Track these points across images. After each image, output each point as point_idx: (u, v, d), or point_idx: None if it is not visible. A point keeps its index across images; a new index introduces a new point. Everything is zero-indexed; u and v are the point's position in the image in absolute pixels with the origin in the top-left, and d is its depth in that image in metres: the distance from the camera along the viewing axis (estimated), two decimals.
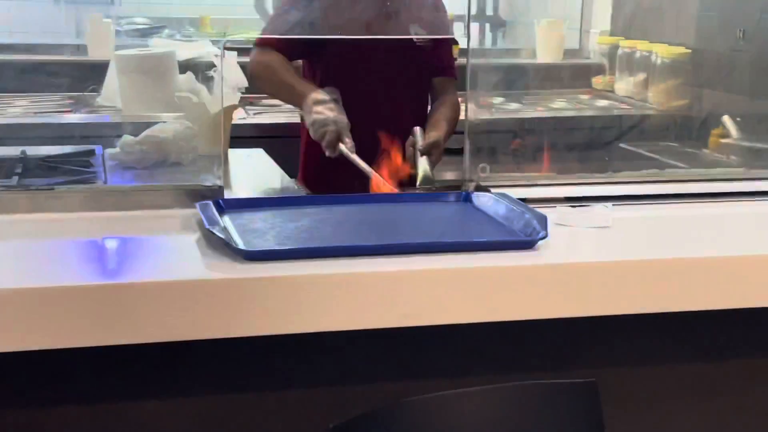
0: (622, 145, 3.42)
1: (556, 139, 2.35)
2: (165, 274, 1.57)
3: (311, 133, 2.39)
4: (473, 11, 4.96)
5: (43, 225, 1.81)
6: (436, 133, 2.43)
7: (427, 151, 2.36)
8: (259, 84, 2.66)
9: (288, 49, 2.58)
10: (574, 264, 1.64)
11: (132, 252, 1.72)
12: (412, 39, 2.57)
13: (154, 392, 1.66)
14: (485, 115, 2.30)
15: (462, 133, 2.03)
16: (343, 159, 2.34)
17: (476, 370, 1.74)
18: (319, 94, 2.41)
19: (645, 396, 1.85)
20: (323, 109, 2.37)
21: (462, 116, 2.45)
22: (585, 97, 4.04)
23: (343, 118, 2.37)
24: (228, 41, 3.96)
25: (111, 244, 1.72)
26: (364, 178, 2.24)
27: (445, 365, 1.74)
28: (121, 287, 1.51)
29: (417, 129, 2.43)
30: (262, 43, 2.62)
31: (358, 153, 2.33)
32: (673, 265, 1.65)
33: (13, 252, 1.67)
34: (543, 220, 1.71)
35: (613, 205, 1.90)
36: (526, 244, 1.67)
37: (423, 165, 2.32)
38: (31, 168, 2.17)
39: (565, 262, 1.64)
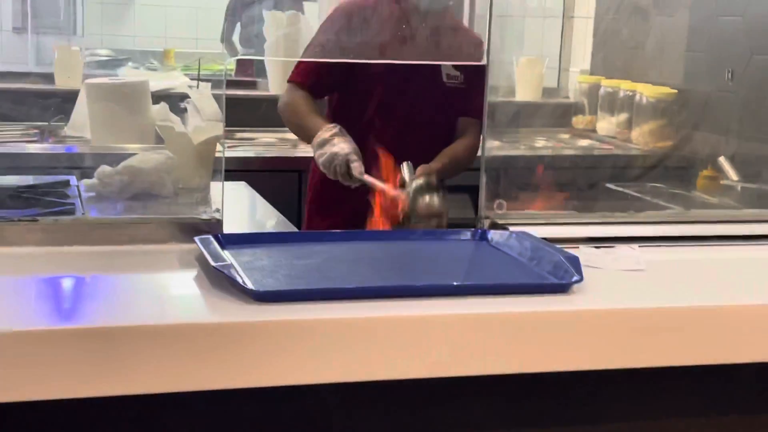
0: (608, 185, 3.34)
1: (574, 177, 2.24)
2: (164, 317, 1.41)
3: (327, 174, 2.35)
4: None
5: (23, 260, 1.63)
6: (429, 166, 2.35)
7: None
8: (286, 125, 2.66)
9: (316, 87, 2.56)
10: (615, 310, 1.51)
11: (122, 291, 1.55)
12: (442, 78, 2.55)
13: None
14: (501, 152, 2.18)
15: (477, 170, 1.91)
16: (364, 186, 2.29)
17: (507, 423, 1.59)
18: (321, 135, 2.36)
19: None
20: (327, 147, 2.33)
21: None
22: (565, 136, 3.97)
23: (346, 147, 2.31)
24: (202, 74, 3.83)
25: (100, 282, 1.55)
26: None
27: (472, 418, 1.58)
28: (112, 331, 1.34)
29: (405, 164, 2.30)
30: (291, 80, 2.59)
31: None
32: (723, 313, 1.53)
33: None
34: (575, 262, 1.58)
35: (639, 246, 1.79)
36: (559, 288, 1.54)
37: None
38: (3, 198, 1.99)
39: (604, 308, 1.51)
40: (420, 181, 2.15)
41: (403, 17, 2.47)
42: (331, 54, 2.48)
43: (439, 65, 2.52)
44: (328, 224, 2.46)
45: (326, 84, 2.57)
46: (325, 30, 2.52)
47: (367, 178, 2.24)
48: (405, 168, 2.27)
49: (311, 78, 2.54)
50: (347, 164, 2.28)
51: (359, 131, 2.43)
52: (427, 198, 2.11)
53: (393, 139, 2.48)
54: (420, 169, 2.29)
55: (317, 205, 2.61)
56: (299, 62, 2.61)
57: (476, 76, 2.55)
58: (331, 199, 2.47)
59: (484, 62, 2.43)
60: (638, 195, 3.15)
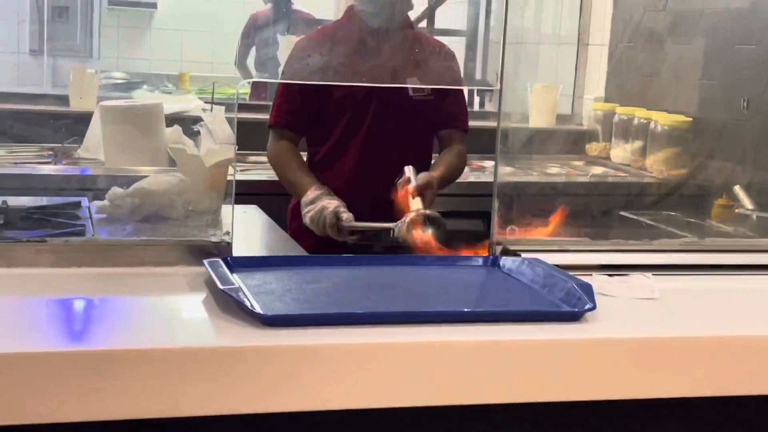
0: (622, 213, 3.32)
1: (587, 204, 2.22)
2: (170, 340, 1.39)
3: (315, 230, 2.37)
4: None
5: (32, 281, 1.62)
6: (429, 174, 2.41)
7: (419, 192, 2.30)
8: (276, 174, 2.67)
9: (296, 125, 2.58)
10: (628, 339, 1.49)
11: (131, 314, 1.54)
12: (408, 93, 2.56)
13: None
14: (513, 177, 2.16)
15: (489, 195, 1.89)
16: (359, 234, 2.32)
17: None
18: (308, 196, 2.41)
19: None
20: (316, 203, 2.37)
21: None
22: (579, 163, 3.95)
23: (332, 202, 2.35)
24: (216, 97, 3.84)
25: (108, 304, 1.54)
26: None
27: None
28: (118, 354, 1.33)
29: (408, 168, 2.36)
30: (273, 125, 2.62)
31: (367, 206, 2.32)
32: (738, 343, 1.50)
33: None
34: (588, 290, 1.56)
35: (653, 275, 1.76)
36: (572, 316, 1.52)
37: (416, 206, 2.24)
38: (14, 220, 1.98)
39: (617, 336, 1.49)
40: (412, 215, 2.16)
41: (364, 40, 2.51)
42: (301, 86, 2.51)
43: (404, 79, 2.53)
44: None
45: (304, 118, 2.58)
46: (291, 66, 2.57)
47: (359, 223, 2.27)
48: (409, 171, 2.32)
49: (289, 117, 2.57)
50: (336, 215, 2.30)
51: (334, 158, 2.49)
52: (420, 230, 2.12)
53: (372, 156, 2.53)
54: (423, 177, 2.34)
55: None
56: (274, 105, 2.64)
57: (445, 88, 2.60)
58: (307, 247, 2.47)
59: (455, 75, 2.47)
60: (653, 223, 3.12)
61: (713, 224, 3.02)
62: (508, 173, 2.08)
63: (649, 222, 3.16)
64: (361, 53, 2.52)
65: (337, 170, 2.53)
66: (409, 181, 2.31)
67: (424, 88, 2.56)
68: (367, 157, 2.53)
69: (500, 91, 2.05)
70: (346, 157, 2.54)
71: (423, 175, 2.35)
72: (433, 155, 2.69)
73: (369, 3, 2.52)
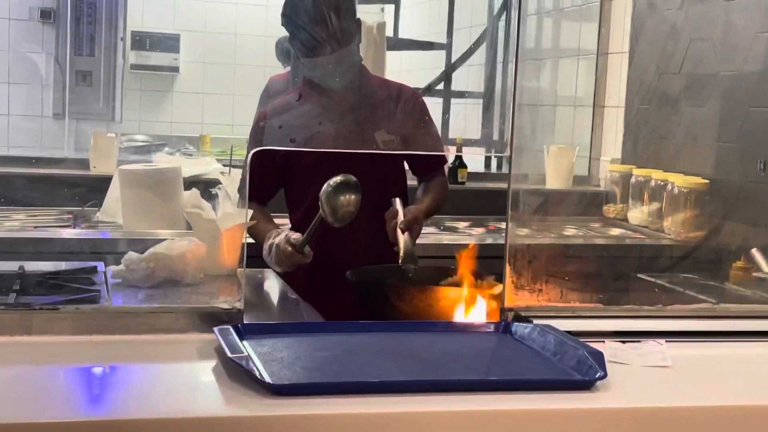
0: (639, 275, 3.30)
1: (601, 267, 2.21)
2: (178, 410, 1.39)
3: (278, 268, 2.41)
4: (477, 135, 4.92)
5: (42, 348, 1.64)
6: (417, 207, 2.45)
7: (407, 227, 2.34)
8: None
9: (261, 194, 2.61)
10: (638, 409, 1.47)
11: (141, 382, 1.54)
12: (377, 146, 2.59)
13: None
14: (525, 241, 2.16)
15: (501, 257, 1.89)
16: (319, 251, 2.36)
17: None
18: (265, 243, 2.43)
19: None
20: (267, 249, 2.42)
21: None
22: (596, 225, 3.94)
23: (279, 235, 2.38)
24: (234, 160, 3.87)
25: (118, 373, 1.54)
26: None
27: None
28: (125, 424, 1.33)
29: (396, 200, 2.42)
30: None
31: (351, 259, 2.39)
32: (751, 413, 1.48)
33: (6, 379, 1.49)
34: (599, 358, 1.55)
35: (666, 341, 1.75)
36: (583, 385, 1.51)
37: (404, 241, 2.31)
38: (30, 285, 2.00)
39: (628, 406, 1.48)
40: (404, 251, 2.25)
41: (324, 104, 2.56)
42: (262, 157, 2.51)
43: (372, 134, 2.57)
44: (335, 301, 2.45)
45: (268, 188, 2.64)
46: (256, 137, 2.63)
47: (302, 234, 2.31)
48: (397, 203, 2.40)
49: (260, 194, 2.58)
50: (288, 240, 2.32)
51: (305, 210, 2.49)
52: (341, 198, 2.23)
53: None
54: (410, 211, 2.39)
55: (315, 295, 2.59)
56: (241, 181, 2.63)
57: (414, 130, 2.62)
58: (317, 288, 2.48)
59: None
60: (670, 286, 3.10)
61: (731, 287, 3.00)
62: (522, 236, 2.08)
63: (666, 285, 3.14)
64: (324, 118, 2.56)
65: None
66: (397, 214, 2.36)
67: (392, 140, 2.58)
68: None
69: (510, 156, 2.06)
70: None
71: (410, 209, 2.41)
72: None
73: (315, 69, 2.53)
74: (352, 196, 2.22)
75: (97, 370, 1.56)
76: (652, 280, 3.19)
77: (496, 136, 4.89)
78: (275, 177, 2.63)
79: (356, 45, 2.58)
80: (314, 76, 2.56)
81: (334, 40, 2.48)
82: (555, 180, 4.21)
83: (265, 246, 2.43)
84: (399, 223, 2.35)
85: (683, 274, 3.25)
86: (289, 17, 2.54)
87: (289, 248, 2.32)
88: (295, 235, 2.34)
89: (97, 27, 5.49)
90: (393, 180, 2.66)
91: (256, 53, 5.89)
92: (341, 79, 2.56)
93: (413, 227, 2.36)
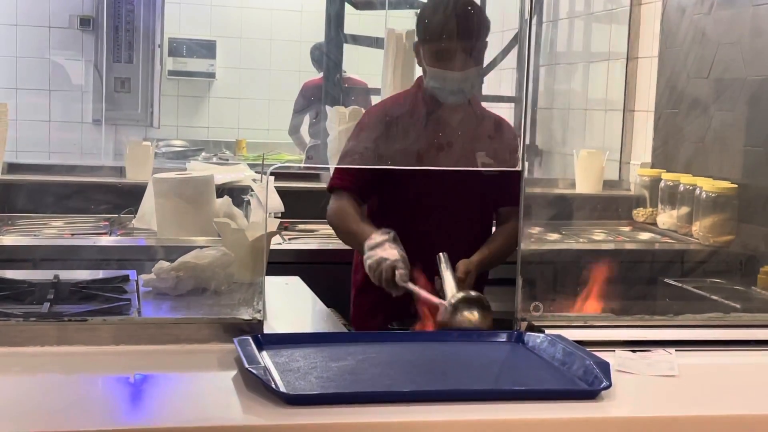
0: (667, 280, 3.31)
1: (615, 275, 2.24)
2: (194, 418, 1.45)
3: (371, 278, 2.33)
4: None
5: (72, 358, 1.72)
6: (469, 261, 2.37)
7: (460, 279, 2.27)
8: (336, 233, 2.66)
9: (357, 190, 2.59)
10: (641, 418, 1.51)
11: (162, 391, 1.62)
12: (474, 169, 2.56)
13: None
14: (538, 251, 2.20)
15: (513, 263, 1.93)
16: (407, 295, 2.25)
17: None
18: (373, 239, 2.36)
19: None
20: (376, 251, 2.32)
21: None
22: (626, 229, 3.96)
23: (395, 253, 2.29)
24: (266, 166, 3.94)
25: (141, 383, 1.61)
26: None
27: None
28: None
29: (441, 255, 2.28)
30: (332, 188, 2.63)
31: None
32: (756, 422, 1.51)
33: (38, 388, 1.57)
34: (605, 368, 1.59)
35: (676, 350, 1.79)
36: (588, 395, 1.56)
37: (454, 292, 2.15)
38: (64, 294, 2.09)
39: (631, 415, 1.52)
40: (460, 295, 2.08)
41: (435, 118, 2.54)
42: (369, 161, 2.52)
43: (474, 154, 2.56)
44: (375, 324, 2.48)
45: (370, 184, 2.59)
46: (360, 137, 2.59)
47: (410, 286, 2.21)
48: (442, 260, 2.24)
49: (355, 182, 2.57)
50: (393, 270, 2.25)
51: (398, 226, 2.42)
52: (466, 313, 2.03)
53: (431, 229, 2.52)
54: (460, 265, 2.31)
55: (362, 307, 2.63)
56: (337, 169, 2.66)
57: (509, 162, 2.58)
58: (374, 301, 2.49)
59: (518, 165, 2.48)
60: (697, 291, 3.12)
61: (758, 292, 3.01)
62: (531, 247, 2.10)
63: (692, 290, 3.16)
64: (428, 132, 2.55)
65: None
66: (446, 268, 2.23)
67: (492, 163, 2.56)
68: (431, 229, 2.53)
69: (521, 167, 2.09)
70: (409, 236, 2.43)
71: (461, 263, 2.32)
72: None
73: (439, 80, 2.52)
74: (476, 316, 2.06)
75: (120, 380, 1.63)
76: (679, 285, 3.21)
77: (527, 141, 4.92)
78: (374, 177, 2.59)
79: (482, 68, 2.63)
80: (435, 87, 2.54)
81: (470, 57, 2.51)
82: (585, 184, 4.22)
83: (371, 242, 2.34)
84: (446, 273, 2.22)
85: (710, 279, 3.26)
86: (427, 23, 2.56)
87: (392, 281, 2.26)
88: (402, 271, 2.24)
89: (134, 34, 5.61)
90: (480, 218, 2.64)
91: (290, 59, 5.98)
92: (461, 95, 2.56)
93: (466, 279, 2.30)
